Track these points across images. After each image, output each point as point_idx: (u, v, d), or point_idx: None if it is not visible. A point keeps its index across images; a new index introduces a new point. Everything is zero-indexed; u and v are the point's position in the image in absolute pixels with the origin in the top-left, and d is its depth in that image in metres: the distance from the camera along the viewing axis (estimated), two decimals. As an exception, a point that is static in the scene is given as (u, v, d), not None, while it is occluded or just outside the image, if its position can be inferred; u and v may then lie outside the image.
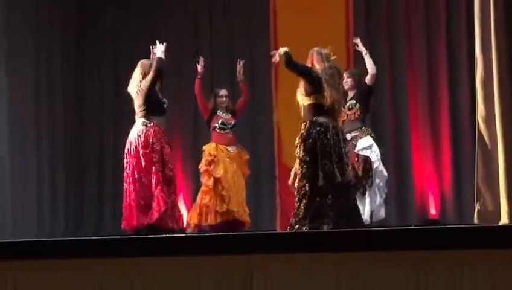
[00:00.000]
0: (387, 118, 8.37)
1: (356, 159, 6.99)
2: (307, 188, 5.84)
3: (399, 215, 8.04)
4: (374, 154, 7.02)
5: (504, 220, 5.07)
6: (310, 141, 5.89)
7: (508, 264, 4.06)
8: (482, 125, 5.34)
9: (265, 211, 8.57)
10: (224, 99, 7.52)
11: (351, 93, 7.16)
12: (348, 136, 6.98)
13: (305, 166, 5.88)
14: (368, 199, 6.92)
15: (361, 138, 7.05)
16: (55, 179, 8.84)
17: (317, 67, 6.00)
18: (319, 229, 5.71)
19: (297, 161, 5.97)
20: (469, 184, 7.10)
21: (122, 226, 6.39)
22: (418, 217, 8.25)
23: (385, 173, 7.04)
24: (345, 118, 7.06)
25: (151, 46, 6.52)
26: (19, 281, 4.80)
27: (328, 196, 5.81)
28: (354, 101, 7.12)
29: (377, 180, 7.01)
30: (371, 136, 7.09)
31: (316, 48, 6.10)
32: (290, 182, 6.10)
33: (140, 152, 6.28)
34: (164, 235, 5.72)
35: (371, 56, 7.24)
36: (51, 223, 8.63)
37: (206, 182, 7.32)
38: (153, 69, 6.39)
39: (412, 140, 8.46)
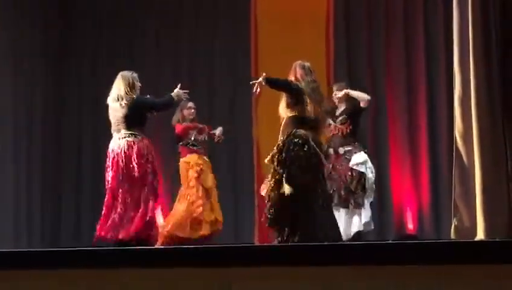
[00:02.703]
0: (367, 133, 8.43)
1: (350, 173, 7.02)
2: (275, 197, 5.86)
3: (377, 229, 8.06)
4: (370, 171, 7.07)
5: (480, 235, 5.11)
6: (285, 153, 5.90)
7: (484, 278, 4.10)
8: (459, 142, 5.38)
9: (244, 224, 8.58)
10: (192, 111, 7.60)
11: (341, 106, 7.20)
12: (341, 150, 7.05)
13: (276, 177, 5.90)
14: (362, 214, 6.96)
15: (355, 152, 7.10)
16: (31, 190, 8.79)
17: (300, 80, 6.04)
18: (288, 239, 5.75)
19: (271, 171, 5.99)
20: (446, 200, 7.17)
21: (102, 234, 6.25)
22: (396, 232, 8.30)
23: (373, 191, 7.11)
24: (337, 132, 7.11)
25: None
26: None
27: (298, 206, 5.82)
28: (346, 116, 7.16)
29: (371, 197, 7.07)
30: (365, 152, 7.16)
31: (298, 62, 6.14)
32: (262, 192, 6.15)
33: (135, 162, 6.24)
34: (143, 247, 5.71)
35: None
36: (27, 235, 8.57)
37: (197, 193, 7.35)
38: (168, 100, 6.46)
39: (391, 155, 8.52)
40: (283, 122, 6.07)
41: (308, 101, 5.96)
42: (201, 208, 7.30)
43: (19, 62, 8.69)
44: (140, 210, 6.21)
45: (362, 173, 7.03)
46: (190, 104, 7.60)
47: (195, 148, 7.52)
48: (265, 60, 8.68)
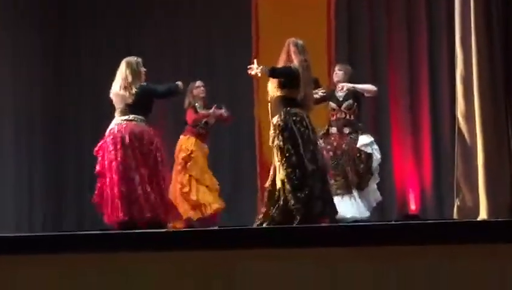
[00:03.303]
0: (368, 114, 8.40)
1: (358, 154, 7.02)
2: (297, 174, 5.85)
3: (379, 210, 8.07)
4: (376, 152, 7.07)
5: (483, 215, 5.11)
6: (288, 130, 5.92)
7: (487, 258, 4.10)
8: (461, 122, 5.36)
9: (246, 206, 8.58)
10: (202, 89, 7.58)
11: (339, 87, 7.15)
12: (346, 130, 7.05)
13: (287, 154, 5.90)
14: (371, 194, 6.99)
15: (361, 134, 7.09)
16: (33, 177, 8.80)
17: (294, 58, 6.03)
18: (313, 213, 5.78)
19: (277, 152, 5.98)
20: (449, 180, 7.16)
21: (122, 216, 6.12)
22: (399, 213, 8.31)
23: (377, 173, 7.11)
24: (344, 116, 7.09)
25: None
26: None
27: (316, 181, 5.87)
28: (352, 101, 7.13)
29: (378, 178, 7.07)
30: (370, 134, 7.16)
31: (292, 39, 6.12)
32: (267, 184, 6.14)
33: (145, 146, 6.21)
34: (146, 231, 5.71)
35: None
36: (29, 224, 8.58)
37: (184, 176, 7.36)
38: (174, 88, 6.43)
39: (393, 136, 8.51)
40: (272, 102, 6.07)
41: (301, 81, 5.96)
42: (186, 190, 7.29)
43: (19, 56, 8.68)
44: (156, 191, 6.21)
45: (370, 154, 7.02)
46: (198, 82, 7.60)
47: (202, 131, 7.51)
48: (266, 43, 8.64)
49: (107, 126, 6.41)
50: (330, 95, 7.13)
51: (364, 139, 7.05)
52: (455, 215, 5.38)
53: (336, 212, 6.10)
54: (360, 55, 8.62)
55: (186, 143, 7.49)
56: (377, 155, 7.07)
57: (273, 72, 6.01)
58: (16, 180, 8.55)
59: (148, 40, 9.16)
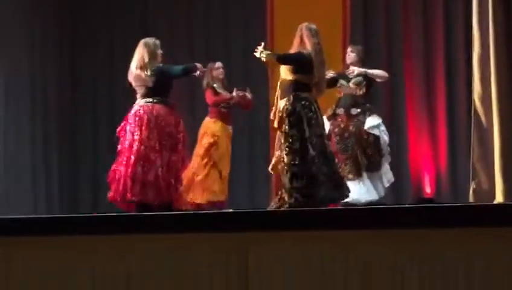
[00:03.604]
0: (383, 97, 8.36)
1: (366, 136, 6.98)
2: (297, 161, 5.85)
3: (394, 194, 8.04)
4: (383, 133, 7.02)
5: (499, 198, 5.08)
6: (295, 115, 5.91)
7: (502, 242, 4.08)
8: (478, 104, 5.33)
9: (260, 190, 8.58)
10: (221, 70, 7.52)
11: (350, 70, 7.11)
12: (353, 111, 7.00)
13: (290, 140, 5.90)
14: (384, 177, 6.96)
15: (369, 115, 7.03)
16: (49, 161, 8.84)
17: (307, 42, 6.00)
18: (316, 199, 5.77)
19: (282, 136, 5.97)
20: (464, 163, 7.12)
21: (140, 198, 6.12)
22: (413, 196, 8.28)
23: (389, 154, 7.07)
24: (348, 91, 7.03)
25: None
26: (13, 258, 4.80)
27: (321, 166, 5.85)
28: (361, 78, 7.08)
29: (384, 160, 7.03)
30: (378, 115, 7.10)
31: (305, 23, 6.09)
32: (271, 166, 6.15)
33: (171, 128, 6.23)
34: (159, 213, 5.72)
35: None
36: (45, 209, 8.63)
37: (200, 164, 7.32)
38: (191, 67, 6.42)
39: (408, 119, 8.46)
40: (282, 85, 6.04)
41: (316, 65, 5.94)
42: (200, 177, 7.27)
43: (34, 43, 8.68)
44: (175, 175, 6.24)
45: (378, 136, 6.98)
46: (218, 64, 7.54)
47: (224, 110, 7.45)
48: (280, 28, 8.60)
49: (123, 110, 6.40)
50: (341, 76, 7.09)
51: (371, 121, 7.00)
52: (471, 199, 5.35)
53: (344, 196, 6.03)
54: (375, 41, 8.55)
55: (212, 127, 7.39)
56: (384, 137, 7.01)
57: (281, 59, 6.04)
58: (32, 165, 8.58)
59: (163, 23, 9.12)
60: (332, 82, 6.89)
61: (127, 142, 6.22)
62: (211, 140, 7.33)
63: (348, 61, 7.21)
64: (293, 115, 5.91)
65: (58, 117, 9.04)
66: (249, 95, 7.48)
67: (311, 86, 6.00)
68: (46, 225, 5.05)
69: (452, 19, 8.41)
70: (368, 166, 6.95)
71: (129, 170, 6.13)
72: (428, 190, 8.32)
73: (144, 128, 6.18)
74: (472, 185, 5.34)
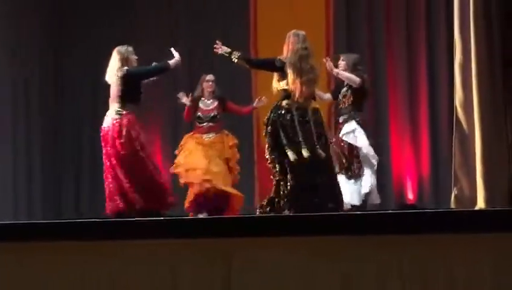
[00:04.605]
0: (366, 104, 8.37)
1: (342, 143, 7.03)
2: (277, 169, 5.92)
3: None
4: (359, 139, 7.03)
5: (480, 204, 5.11)
6: (270, 125, 5.99)
7: (484, 248, 4.10)
8: (460, 111, 5.35)
9: (244, 194, 8.57)
10: (210, 83, 7.56)
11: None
12: (340, 120, 7.08)
13: (269, 149, 6.00)
14: (360, 183, 6.96)
15: (347, 122, 7.08)
16: (32, 167, 8.81)
17: (290, 48, 6.01)
18: (300, 205, 5.79)
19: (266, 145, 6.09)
20: (446, 169, 7.15)
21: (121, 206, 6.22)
22: (396, 202, 8.31)
23: (373, 159, 7.05)
24: (341, 105, 7.13)
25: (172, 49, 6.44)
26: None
27: (307, 172, 5.88)
28: (346, 88, 7.14)
29: (372, 165, 7.03)
30: (356, 121, 7.10)
31: (293, 30, 6.13)
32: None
33: (119, 141, 6.23)
34: (143, 219, 5.71)
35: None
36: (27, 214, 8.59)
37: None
38: (162, 65, 6.39)
39: (391, 125, 8.51)
40: (276, 96, 6.14)
41: (289, 71, 5.94)
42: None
43: (17, 38, 8.69)
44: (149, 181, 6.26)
45: (351, 144, 7.02)
46: (209, 76, 7.60)
47: (199, 125, 7.52)
48: (264, 33, 8.62)
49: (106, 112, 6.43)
50: (337, 91, 7.27)
51: (346, 128, 7.05)
52: (453, 205, 5.38)
53: (336, 209, 6.01)
54: (358, 45, 8.59)
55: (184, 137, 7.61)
56: (361, 141, 7.00)
57: (251, 63, 6.24)
58: (15, 167, 8.53)
59: (147, 25, 9.10)
60: (334, 98, 7.21)
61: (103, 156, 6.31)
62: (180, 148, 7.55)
63: (339, 68, 7.23)
64: (269, 125, 6.01)
65: (42, 120, 9.00)
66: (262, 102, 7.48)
67: (289, 92, 6.01)
68: (27, 230, 5.03)
69: (434, 27, 8.46)
70: (347, 173, 6.98)
71: (106, 182, 6.23)
72: (410, 195, 8.36)
73: (109, 145, 6.25)
74: (454, 191, 5.36)
